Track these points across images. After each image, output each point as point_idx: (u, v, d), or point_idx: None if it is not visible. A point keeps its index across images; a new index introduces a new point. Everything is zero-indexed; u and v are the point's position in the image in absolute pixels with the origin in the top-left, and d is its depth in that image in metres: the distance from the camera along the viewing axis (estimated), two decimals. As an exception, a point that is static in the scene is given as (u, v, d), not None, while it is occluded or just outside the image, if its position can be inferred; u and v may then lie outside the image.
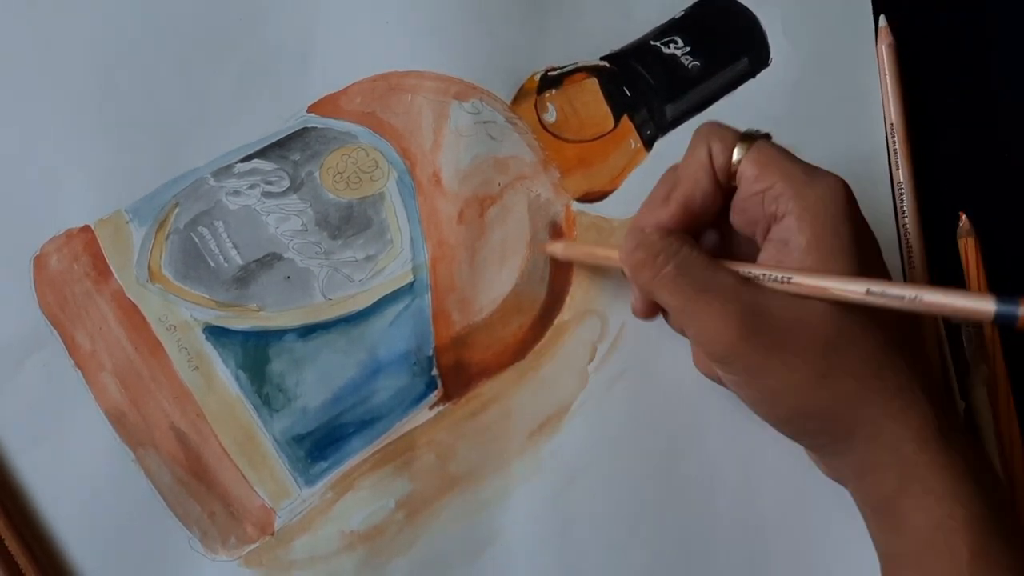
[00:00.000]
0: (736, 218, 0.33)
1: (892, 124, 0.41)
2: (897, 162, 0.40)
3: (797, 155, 0.30)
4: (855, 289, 0.28)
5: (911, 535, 0.30)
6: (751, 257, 0.32)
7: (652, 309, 0.34)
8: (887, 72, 0.41)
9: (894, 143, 0.40)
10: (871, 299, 0.28)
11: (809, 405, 0.30)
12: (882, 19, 0.41)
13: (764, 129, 0.32)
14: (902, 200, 0.40)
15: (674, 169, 0.34)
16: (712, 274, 0.31)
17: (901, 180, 0.40)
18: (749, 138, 0.32)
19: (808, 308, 0.29)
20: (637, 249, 0.32)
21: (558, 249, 0.38)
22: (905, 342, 0.31)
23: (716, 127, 0.32)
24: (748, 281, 0.30)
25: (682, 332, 0.33)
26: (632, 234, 0.33)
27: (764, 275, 0.30)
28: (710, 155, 0.32)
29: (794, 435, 0.32)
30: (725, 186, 0.32)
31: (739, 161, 0.31)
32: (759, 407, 0.31)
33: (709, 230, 0.34)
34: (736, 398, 0.32)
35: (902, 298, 0.27)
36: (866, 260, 0.30)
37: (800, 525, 0.38)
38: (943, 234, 0.40)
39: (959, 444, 0.30)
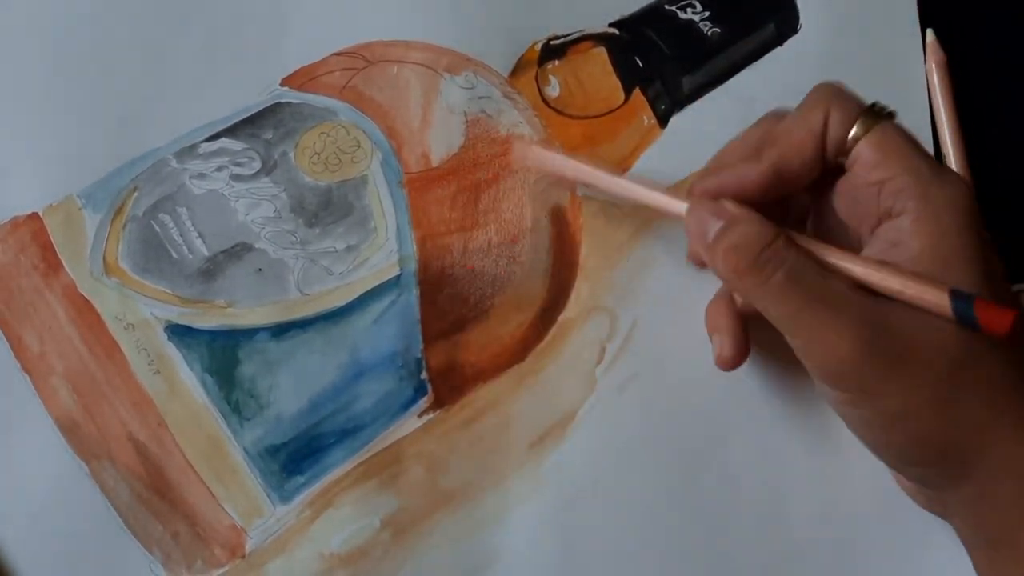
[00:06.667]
0: (841, 204, 0.31)
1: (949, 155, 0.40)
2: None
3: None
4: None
5: None
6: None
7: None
8: (939, 96, 0.39)
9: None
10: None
11: (929, 431, 0.29)
12: (930, 33, 0.40)
13: (890, 107, 0.31)
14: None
15: (772, 118, 0.32)
16: (825, 282, 0.29)
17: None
18: (874, 115, 0.30)
19: (932, 322, 0.28)
20: (734, 253, 0.30)
21: (536, 156, 0.37)
22: None
23: (839, 91, 0.31)
24: (862, 289, 0.29)
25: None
26: (706, 211, 0.30)
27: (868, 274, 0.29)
28: (826, 123, 0.30)
29: (903, 465, 0.31)
30: (832, 162, 0.31)
31: (856, 139, 0.30)
32: (868, 431, 0.30)
33: (799, 198, 0.33)
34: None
35: None
36: (988, 274, 0.29)
37: (832, 548, 0.37)
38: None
39: None
